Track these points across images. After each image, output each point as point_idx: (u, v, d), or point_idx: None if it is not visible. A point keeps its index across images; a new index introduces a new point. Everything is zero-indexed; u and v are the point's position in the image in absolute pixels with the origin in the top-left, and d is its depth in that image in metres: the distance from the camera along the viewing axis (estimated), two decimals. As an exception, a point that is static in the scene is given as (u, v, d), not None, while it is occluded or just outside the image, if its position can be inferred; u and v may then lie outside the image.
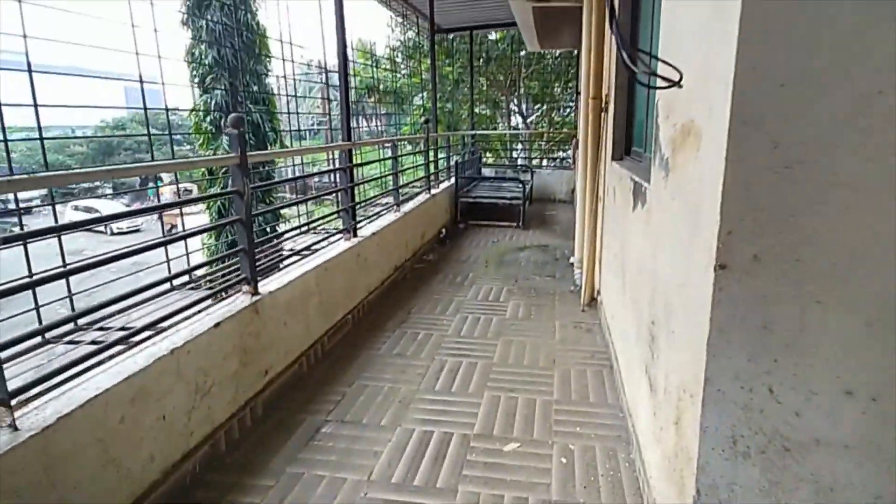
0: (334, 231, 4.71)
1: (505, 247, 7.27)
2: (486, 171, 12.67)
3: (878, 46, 1.26)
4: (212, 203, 12.65)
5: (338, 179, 4.58)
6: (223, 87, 11.94)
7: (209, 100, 12.60)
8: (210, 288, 3.34)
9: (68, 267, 2.14)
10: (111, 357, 2.21)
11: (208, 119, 12.61)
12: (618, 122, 3.97)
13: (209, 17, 11.81)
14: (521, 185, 9.24)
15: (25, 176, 1.98)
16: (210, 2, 11.84)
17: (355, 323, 4.38)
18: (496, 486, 2.42)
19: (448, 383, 3.37)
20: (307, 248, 4.27)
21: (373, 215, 5.59)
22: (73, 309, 2.42)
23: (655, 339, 2.22)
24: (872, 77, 1.28)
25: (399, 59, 19.92)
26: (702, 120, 1.59)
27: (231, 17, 12.01)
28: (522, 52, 19.17)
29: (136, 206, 26.82)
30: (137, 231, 24.78)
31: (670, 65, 1.71)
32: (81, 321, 2.54)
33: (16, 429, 1.76)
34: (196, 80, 12.71)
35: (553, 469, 2.52)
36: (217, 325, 2.65)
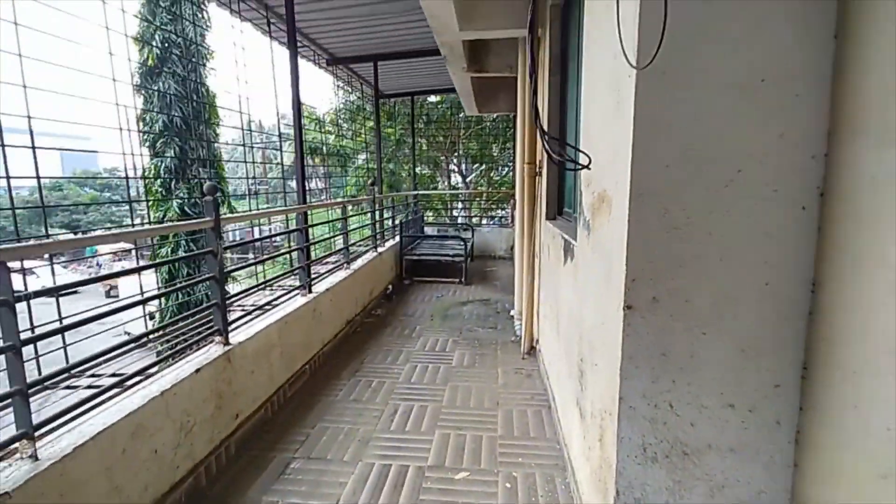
0: (290, 288, 4.95)
1: (449, 301, 7.62)
2: (428, 230, 13.12)
3: (738, 136, 1.70)
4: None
5: (294, 239, 4.88)
6: (173, 152, 12.16)
7: (159, 163, 12.77)
8: (185, 340, 3.56)
9: (64, 323, 2.38)
10: (111, 398, 2.44)
11: (158, 182, 12.75)
12: (550, 186, 4.44)
13: (161, 84, 12.12)
14: (462, 243, 9.68)
15: (34, 243, 2.22)
16: (161, 70, 12.16)
17: (312, 373, 4.60)
18: (449, 505, 2.70)
19: (402, 424, 3.64)
20: (268, 303, 4.50)
21: (325, 273, 5.86)
22: (67, 360, 2.63)
23: (584, 374, 2.59)
24: (734, 159, 1.71)
25: (342, 122, 20.44)
26: (611, 191, 2.01)
27: (182, 85, 12.34)
28: (461, 114, 20.02)
29: (74, 267, 25.96)
30: (75, 293, 23.95)
31: (583, 151, 2.14)
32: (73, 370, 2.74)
33: (37, 458, 1.98)
34: (147, 144, 12.89)
35: (499, 492, 2.82)
36: (197, 370, 2.90)
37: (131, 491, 2.37)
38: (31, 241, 2.19)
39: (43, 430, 2.11)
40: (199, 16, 13.28)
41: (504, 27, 4.84)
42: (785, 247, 1.74)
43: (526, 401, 4.01)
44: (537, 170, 4.89)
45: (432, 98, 19.98)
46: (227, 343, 3.30)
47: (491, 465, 3.10)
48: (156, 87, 12.43)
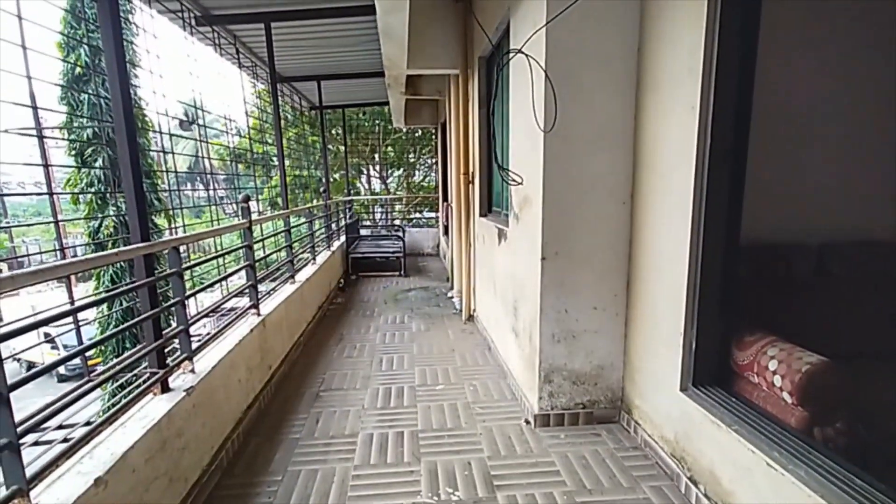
0: (280, 278, 6.26)
1: (395, 290, 9.10)
2: (363, 232, 14.48)
3: (592, 166, 3.32)
4: (103, 272, 12.96)
5: (283, 238, 6.19)
6: (102, 161, 12.46)
7: (89, 173, 12.99)
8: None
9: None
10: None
11: (92, 189, 12.87)
12: (482, 191, 6.03)
13: (89, 92, 12.25)
14: (400, 242, 11.17)
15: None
16: (90, 77, 12.31)
17: (306, 343, 5.96)
18: (437, 400, 4.21)
19: (389, 366, 5.10)
20: (268, 291, 5.83)
21: (300, 268, 7.19)
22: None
23: (517, 309, 4.16)
24: (591, 178, 3.34)
25: (267, 129, 21.33)
26: (532, 196, 3.59)
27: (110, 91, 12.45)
28: (380, 123, 21.45)
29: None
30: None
31: (516, 174, 3.72)
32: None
33: (194, 372, 3.30)
34: (73, 153, 13.10)
35: (467, 393, 4.35)
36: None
37: (236, 401, 3.75)
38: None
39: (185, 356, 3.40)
40: (128, 20, 12.38)
41: (440, 67, 6.37)
42: (616, 222, 3.39)
43: (472, 346, 5.58)
44: (470, 179, 6.45)
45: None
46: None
47: (458, 381, 4.63)
48: (84, 95, 12.47)
